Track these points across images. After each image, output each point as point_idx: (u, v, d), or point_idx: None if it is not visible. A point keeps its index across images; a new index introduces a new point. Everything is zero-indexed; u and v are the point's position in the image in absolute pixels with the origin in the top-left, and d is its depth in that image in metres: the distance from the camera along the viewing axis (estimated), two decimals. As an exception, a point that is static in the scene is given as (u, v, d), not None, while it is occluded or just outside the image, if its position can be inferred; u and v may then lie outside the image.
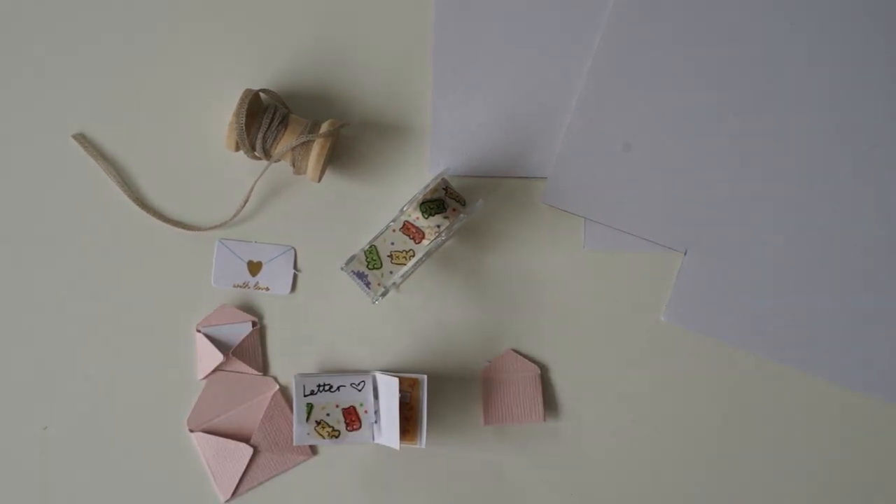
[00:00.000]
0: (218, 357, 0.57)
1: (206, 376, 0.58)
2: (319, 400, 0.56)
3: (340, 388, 0.56)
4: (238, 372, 0.58)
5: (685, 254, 0.58)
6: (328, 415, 0.56)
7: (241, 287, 0.58)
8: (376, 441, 0.56)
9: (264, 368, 0.59)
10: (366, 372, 0.58)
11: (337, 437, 0.56)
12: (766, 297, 0.58)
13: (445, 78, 0.58)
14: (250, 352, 0.58)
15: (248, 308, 0.58)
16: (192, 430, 0.58)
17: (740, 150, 0.58)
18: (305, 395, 0.56)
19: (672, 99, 0.57)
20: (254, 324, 0.58)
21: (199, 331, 0.58)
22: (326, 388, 0.56)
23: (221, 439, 0.57)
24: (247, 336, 0.58)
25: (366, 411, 0.56)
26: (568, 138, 0.58)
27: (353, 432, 0.56)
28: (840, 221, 0.58)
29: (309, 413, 0.55)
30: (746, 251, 0.58)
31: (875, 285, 0.58)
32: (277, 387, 0.58)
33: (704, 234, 0.58)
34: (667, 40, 0.57)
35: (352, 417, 0.56)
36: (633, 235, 0.59)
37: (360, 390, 0.56)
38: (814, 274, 0.58)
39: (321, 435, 0.55)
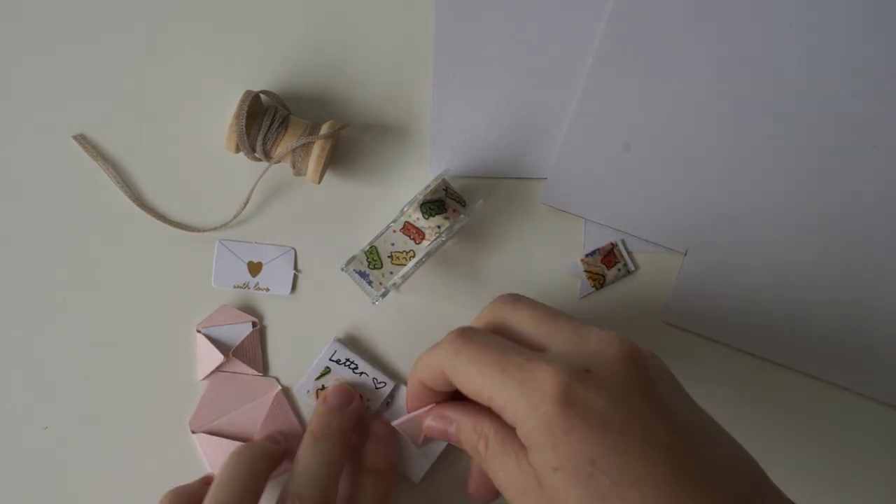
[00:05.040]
0: (218, 357, 0.57)
1: (207, 377, 0.58)
2: (338, 371, 0.56)
3: (362, 375, 0.56)
4: (238, 373, 0.58)
5: (685, 254, 0.58)
6: None
7: (241, 288, 0.58)
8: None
9: (265, 369, 0.59)
10: (396, 377, 0.58)
11: None
12: (766, 298, 0.58)
13: (445, 78, 0.58)
14: (250, 352, 0.58)
15: (249, 308, 0.58)
16: (194, 431, 0.58)
17: (741, 150, 0.58)
18: (331, 359, 0.56)
19: (673, 99, 0.57)
20: (254, 324, 0.58)
21: (199, 331, 0.58)
22: (352, 365, 0.56)
23: (223, 440, 0.57)
24: (247, 336, 0.58)
25: (368, 408, 0.56)
26: (568, 138, 0.58)
27: None
28: (842, 221, 0.58)
29: (322, 375, 0.56)
30: (747, 251, 0.58)
31: (877, 286, 0.58)
32: (279, 387, 0.58)
33: (704, 234, 0.58)
34: (667, 40, 0.57)
35: None
36: (634, 236, 0.59)
37: (376, 388, 0.56)
38: (815, 275, 0.58)
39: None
